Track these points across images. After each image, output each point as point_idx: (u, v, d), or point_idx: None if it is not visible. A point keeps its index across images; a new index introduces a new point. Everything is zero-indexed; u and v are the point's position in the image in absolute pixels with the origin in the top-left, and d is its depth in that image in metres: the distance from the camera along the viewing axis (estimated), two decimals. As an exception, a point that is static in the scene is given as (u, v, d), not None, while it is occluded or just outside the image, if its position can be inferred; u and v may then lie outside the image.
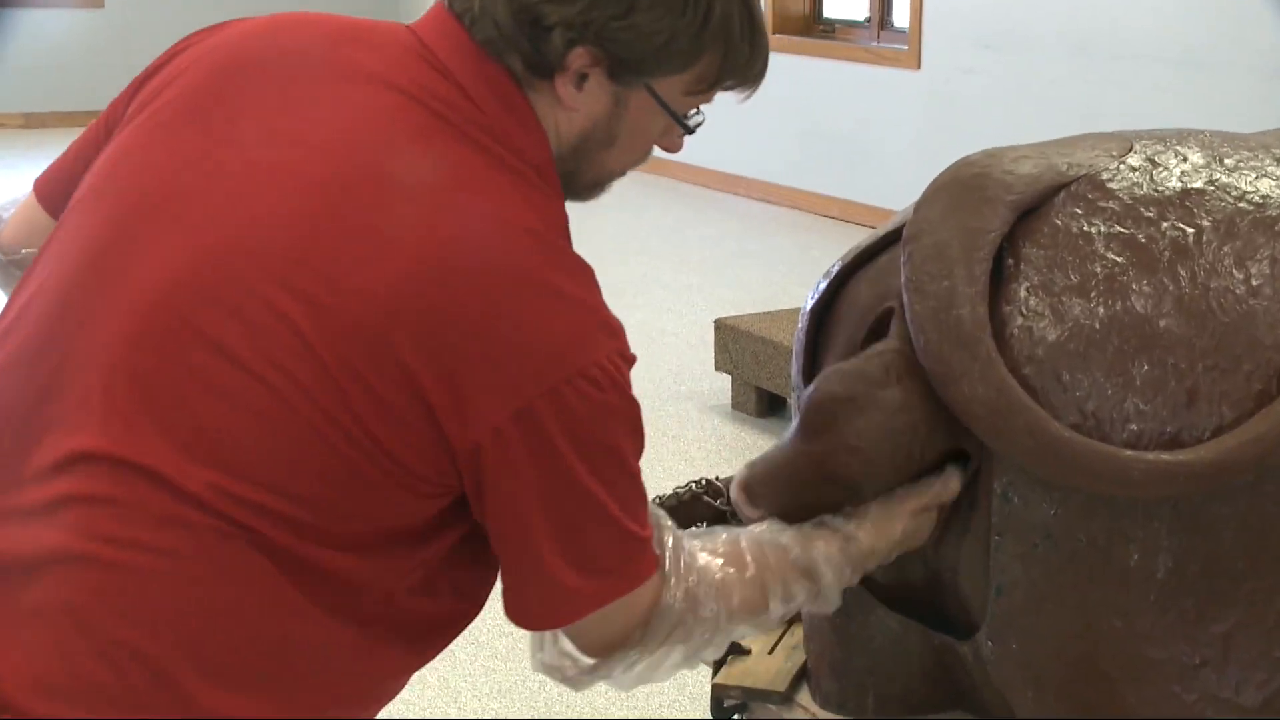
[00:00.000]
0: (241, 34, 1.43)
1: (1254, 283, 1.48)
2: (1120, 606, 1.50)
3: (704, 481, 1.86)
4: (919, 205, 1.59)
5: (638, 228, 7.84)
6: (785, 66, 7.35)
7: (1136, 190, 1.55)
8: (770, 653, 1.91)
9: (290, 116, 1.35)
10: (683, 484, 1.86)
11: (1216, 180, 1.55)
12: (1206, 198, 1.53)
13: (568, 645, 1.44)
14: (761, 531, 1.53)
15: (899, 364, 1.56)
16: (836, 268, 1.73)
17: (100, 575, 1.25)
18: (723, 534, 1.53)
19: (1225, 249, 1.50)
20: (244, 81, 1.38)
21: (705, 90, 1.44)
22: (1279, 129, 1.80)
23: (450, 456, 1.29)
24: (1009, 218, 1.54)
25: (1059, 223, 1.54)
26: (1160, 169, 1.58)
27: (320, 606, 1.32)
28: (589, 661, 1.44)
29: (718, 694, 1.88)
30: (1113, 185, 1.55)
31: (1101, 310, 1.49)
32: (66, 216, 1.40)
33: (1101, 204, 1.55)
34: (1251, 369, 1.45)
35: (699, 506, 1.83)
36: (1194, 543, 1.48)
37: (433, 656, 1.49)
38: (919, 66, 7.05)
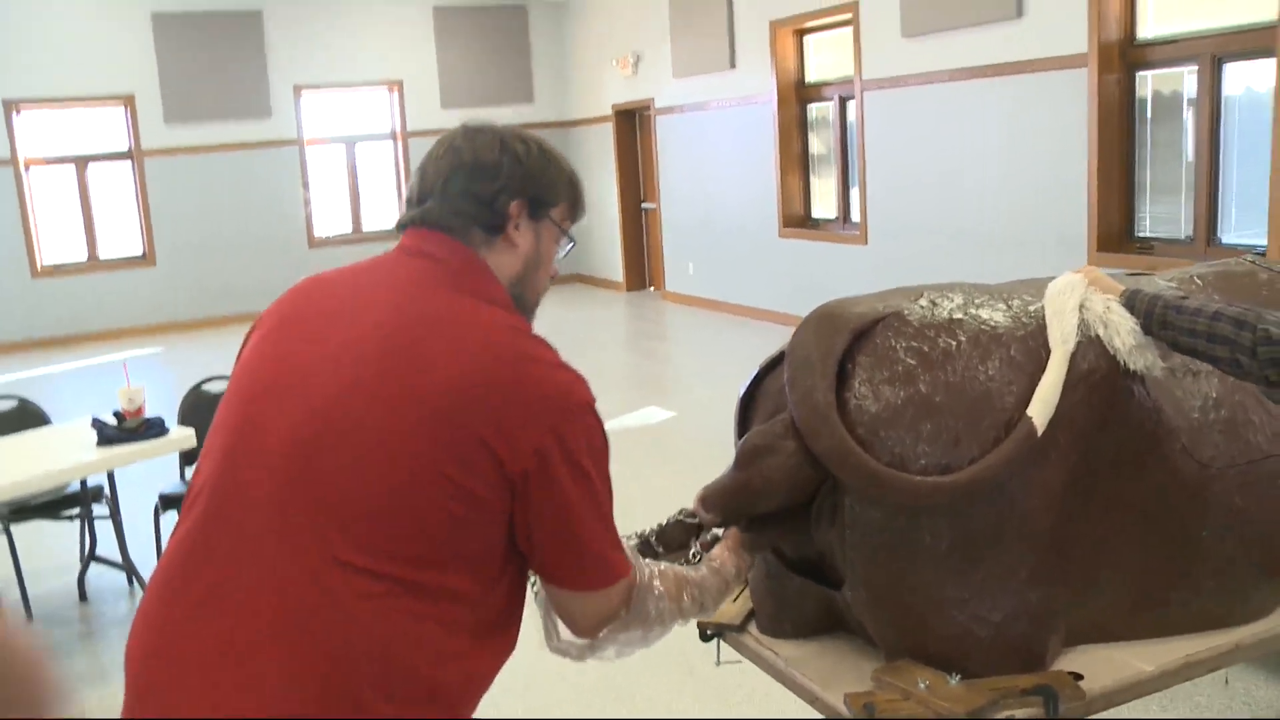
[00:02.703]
0: (300, 286, 1.61)
1: (990, 373, 1.82)
2: (920, 567, 1.81)
3: (682, 510, 1.98)
4: (796, 331, 1.90)
5: (708, 342, 9.79)
6: (792, 246, 9.36)
7: (923, 319, 1.88)
8: (734, 601, 2.20)
9: (350, 315, 1.49)
10: (671, 515, 1.99)
11: (969, 313, 1.89)
12: (964, 323, 1.87)
13: (566, 634, 1.61)
14: (675, 567, 1.73)
15: (794, 426, 1.83)
16: (756, 370, 2.04)
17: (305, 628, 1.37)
18: (659, 564, 1.69)
19: (974, 354, 1.83)
20: (311, 304, 1.55)
21: (570, 219, 1.66)
22: (1017, 280, 2.11)
23: (509, 484, 1.42)
24: (848, 339, 1.86)
25: (878, 341, 1.86)
26: (938, 306, 1.91)
27: (446, 622, 1.42)
28: (584, 642, 1.62)
29: (700, 627, 2.16)
30: (910, 317, 1.88)
31: (902, 393, 1.81)
32: (220, 408, 1.55)
33: (902, 329, 1.87)
34: (989, 424, 1.79)
35: (680, 527, 1.96)
36: (960, 527, 1.79)
37: (510, 653, 1.56)
38: (866, 243, 8.51)
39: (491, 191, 1.56)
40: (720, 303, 10.72)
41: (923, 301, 1.95)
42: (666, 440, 6.33)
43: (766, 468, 1.85)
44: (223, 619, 1.39)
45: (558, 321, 11.20)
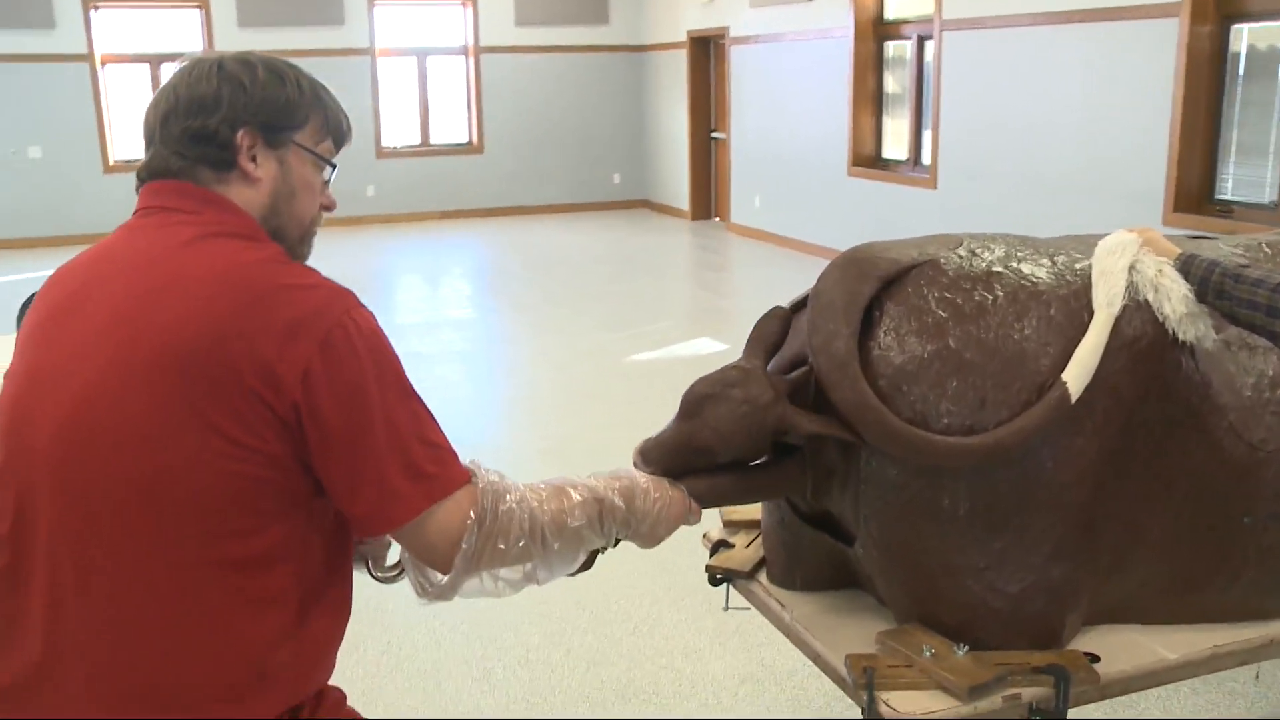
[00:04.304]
0: (46, 283, 1.49)
1: (1026, 332, 1.70)
2: (936, 531, 1.71)
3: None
4: (822, 274, 1.78)
5: (768, 277, 9.59)
6: (859, 185, 9.11)
7: (960, 270, 1.76)
8: (747, 547, 2.15)
9: (89, 300, 1.37)
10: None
11: (1010, 266, 1.76)
12: (1003, 277, 1.75)
13: (434, 576, 1.46)
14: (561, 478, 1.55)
15: (745, 375, 1.72)
16: (787, 303, 1.90)
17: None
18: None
19: (1011, 310, 1.71)
20: (53, 300, 1.43)
21: (325, 142, 1.51)
22: (1068, 236, 1.96)
23: (284, 425, 1.30)
24: (876, 286, 1.74)
25: (909, 290, 1.74)
26: (977, 257, 1.78)
27: (271, 596, 1.33)
28: (445, 579, 1.43)
29: (710, 571, 2.11)
30: (945, 267, 1.76)
31: (930, 346, 1.69)
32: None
33: (937, 278, 1.74)
34: (1020, 386, 1.67)
35: None
36: (982, 492, 1.69)
37: (346, 612, 1.47)
38: (936, 187, 8.27)
39: (211, 125, 1.41)
40: (784, 238, 10.55)
41: (961, 251, 1.82)
42: (713, 375, 6.24)
43: (714, 419, 1.70)
44: (32, 646, 1.31)
45: (619, 245, 11.11)
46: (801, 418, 1.71)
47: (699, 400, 1.72)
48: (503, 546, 1.41)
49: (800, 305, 1.90)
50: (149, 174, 1.46)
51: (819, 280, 1.80)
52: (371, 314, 1.38)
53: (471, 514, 1.38)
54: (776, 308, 1.81)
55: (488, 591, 1.49)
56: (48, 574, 1.32)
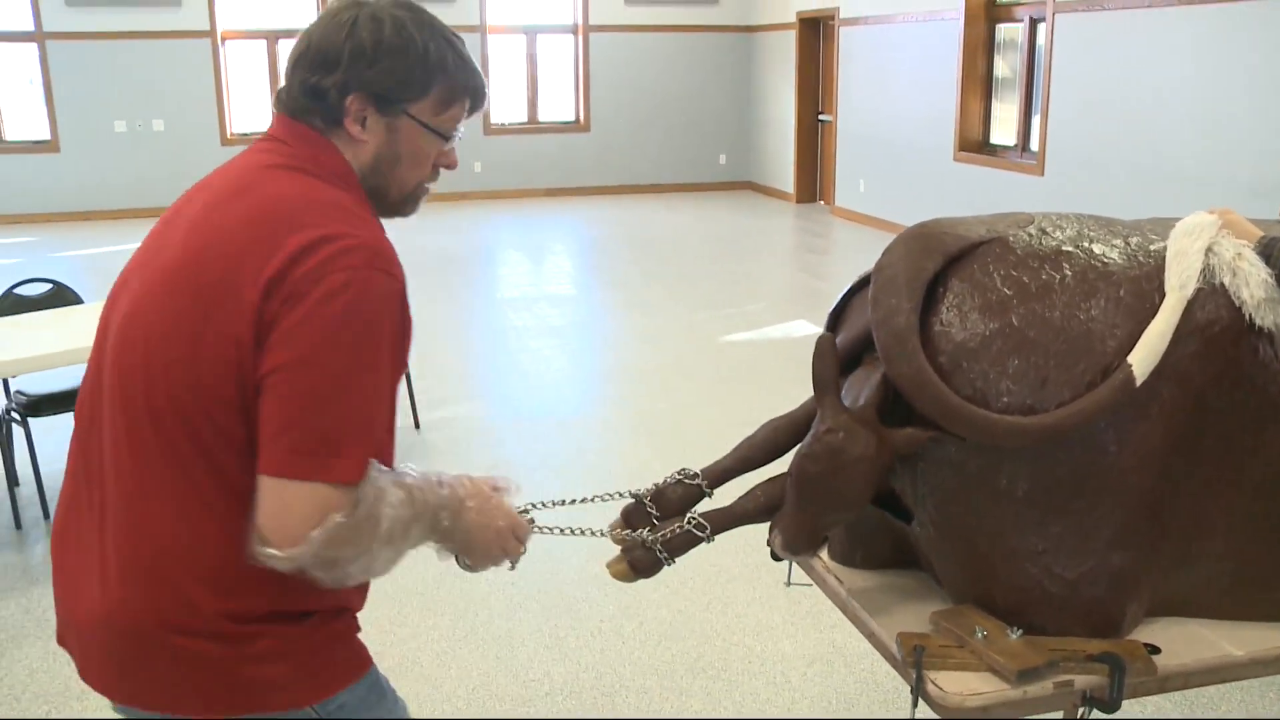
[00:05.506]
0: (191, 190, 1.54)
1: (1093, 313, 1.66)
2: (993, 511, 1.68)
3: (682, 470, 1.86)
4: (887, 248, 1.76)
5: (870, 262, 9.81)
6: (965, 171, 8.99)
7: (1028, 248, 1.72)
8: None
9: (189, 205, 1.47)
10: (669, 475, 1.86)
11: (1080, 246, 1.73)
12: (1072, 256, 1.71)
13: (269, 550, 1.32)
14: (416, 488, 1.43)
15: (849, 433, 1.67)
16: (853, 282, 1.91)
17: None
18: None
19: (1079, 290, 1.67)
20: (173, 206, 1.53)
21: (449, 110, 1.51)
22: (1147, 218, 1.90)
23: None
24: (941, 262, 1.71)
25: (974, 267, 1.72)
26: (1047, 236, 1.75)
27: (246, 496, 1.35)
28: (283, 552, 1.31)
29: (771, 546, 1.95)
30: (1014, 244, 1.73)
31: (993, 324, 1.66)
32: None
33: (1004, 256, 1.71)
34: (1084, 367, 1.63)
35: (678, 489, 1.85)
36: (1042, 473, 1.65)
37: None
38: (1043, 174, 8.15)
39: (325, 85, 1.45)
40: (888, 222, 10.43)
41: (1031, 229, 1.78)
42: (807, 355, 6.19)
43: (835, 499, 1.71)
44: (86, 518, 1.46)
45: (722, 226, 11.08)
46: (902, 441, 1.70)
47: (812, 485, 1.71)
48: (371, 547, 1.36)
49: (868, 280, 1.88)
50: (280, 107, 1.53)
51: (884, 254, 1.77)
52: (397, 286, 1.37)
53: (337, 516, 1.31)
54: (821, 339, 1.77)
55: (314, 577, 1.40)
56: (104, 441, 1.44)
